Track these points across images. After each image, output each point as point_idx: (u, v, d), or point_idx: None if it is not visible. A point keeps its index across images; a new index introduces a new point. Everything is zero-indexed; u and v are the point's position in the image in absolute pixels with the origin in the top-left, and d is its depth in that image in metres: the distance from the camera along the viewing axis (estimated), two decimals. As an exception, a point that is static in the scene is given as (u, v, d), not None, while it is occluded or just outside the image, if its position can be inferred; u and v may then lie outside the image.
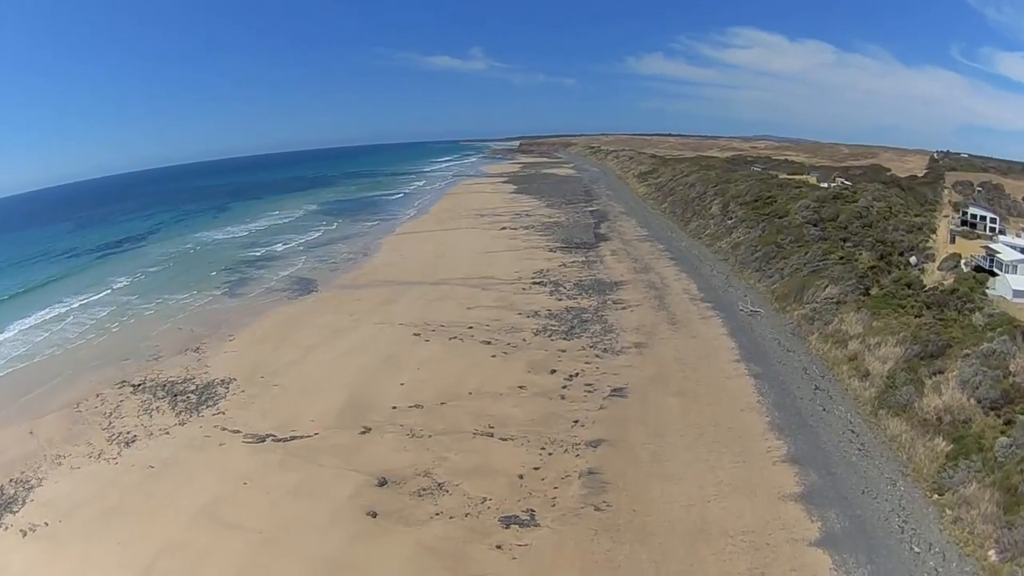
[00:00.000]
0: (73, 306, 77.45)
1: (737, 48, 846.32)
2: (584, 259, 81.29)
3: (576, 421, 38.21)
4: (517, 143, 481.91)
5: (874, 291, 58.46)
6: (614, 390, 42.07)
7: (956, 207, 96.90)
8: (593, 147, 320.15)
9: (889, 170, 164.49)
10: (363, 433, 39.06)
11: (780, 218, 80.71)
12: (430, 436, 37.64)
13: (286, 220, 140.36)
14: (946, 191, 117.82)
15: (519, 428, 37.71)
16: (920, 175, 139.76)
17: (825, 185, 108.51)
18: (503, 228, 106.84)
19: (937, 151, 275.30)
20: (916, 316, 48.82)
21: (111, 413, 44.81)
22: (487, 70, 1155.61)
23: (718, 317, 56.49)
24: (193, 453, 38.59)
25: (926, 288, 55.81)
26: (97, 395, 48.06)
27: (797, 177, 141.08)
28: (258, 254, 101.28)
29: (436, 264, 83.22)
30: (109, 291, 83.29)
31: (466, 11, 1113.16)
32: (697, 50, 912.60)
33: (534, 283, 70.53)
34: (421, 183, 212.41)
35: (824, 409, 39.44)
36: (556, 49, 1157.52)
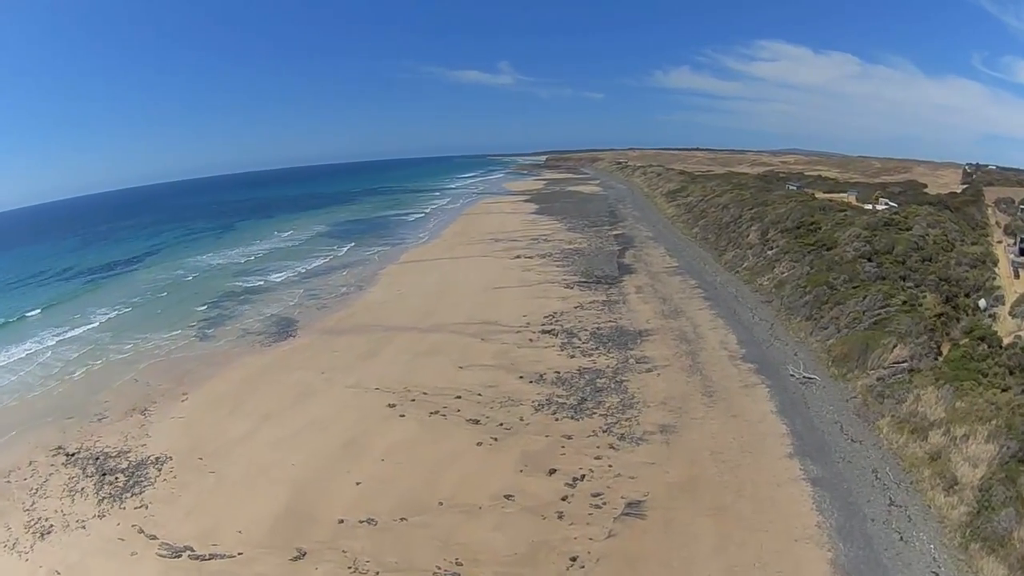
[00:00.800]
0: (48, 343, 71.17)
1: (763, 61, 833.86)
2: (605, 298, 71.20)
3: (575, 559, 28.23)
4: (544, 158, 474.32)
5: (946, 348, 48.26)
6: (629, 505, 31.96)
7: (1008, 230, 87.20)
8: (620, 162, 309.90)
9: (926, 186, 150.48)
10: (295, 560, 29.82)
11: (828, 250, 70.02)
12: (377, 574, 27.99)
13: (291, 243, 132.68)
14: (989, 209, 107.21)
15: (498, 568, 27.83)
16: (958, 191, 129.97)
17: (870, 207, 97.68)
18: (517, 256, 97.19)
19: (968, 164, 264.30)
20: (1003, 389, 38.78)
21: (37, 490, 38.37)
22: (515, 84, 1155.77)
23: (763, 385, 45.96)
24: (101, 561, 31.20)
25: (1004, 345, 45.50)
26: (31, 463, 41.84)
27: (837, 196, 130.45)
28: (250, 285, 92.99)
29: (435, 303, 73.91)
30: (87, 328, 76.03)
31: (494, 26, 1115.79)
32: (723, 63, 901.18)
33: (544, 331, 60.63)
34: (441, 201, 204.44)
35: (902, 538, 29.29)
36: (583, 63, 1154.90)
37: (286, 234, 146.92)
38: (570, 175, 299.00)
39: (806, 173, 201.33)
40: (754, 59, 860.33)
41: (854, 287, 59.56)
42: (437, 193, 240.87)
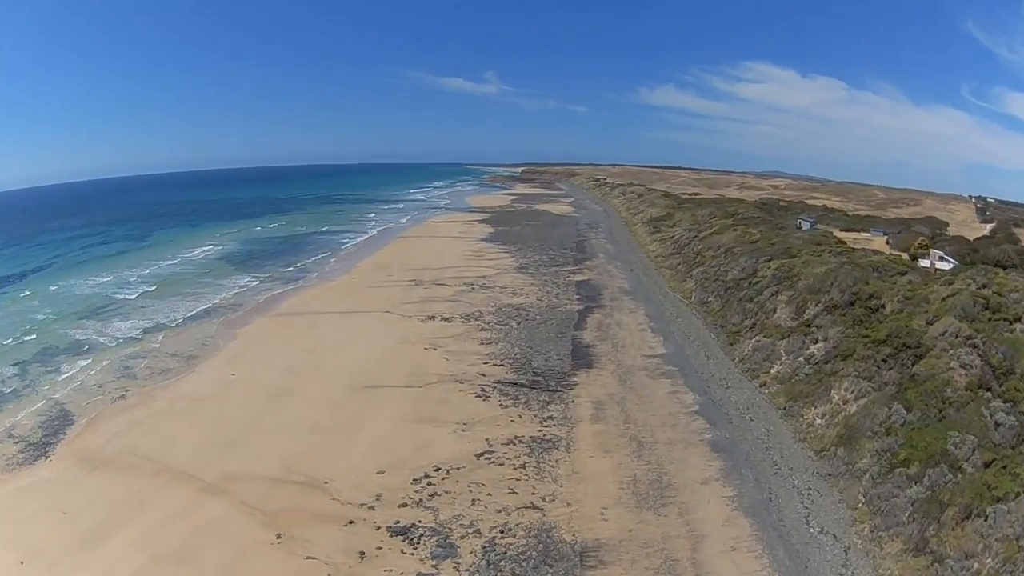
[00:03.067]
0: None
1: (749, 82, 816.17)
2: (538, 430, 40.33)
3: None
4: (520, 170, 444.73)
5: None
6: None
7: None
8: (598, 179, 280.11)
9: (947, 224, 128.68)
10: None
11: (917, 359, 39.64)
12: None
13: (187, 268, 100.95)
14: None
15: None
16: (986, 232, 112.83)
17: (927, 264, 69.08)
18: (431, 317, 65.84)
19: (973, 197, 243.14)
20: None
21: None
22: (499, 94, 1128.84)
23: None
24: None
25: None
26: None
27: (858, 237, 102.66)
28: (80, 337, 63.96)
29: (261, 415, 43.06)
30: None
31: (481, 34, 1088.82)
32: (709, 83, 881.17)
33: (393, 530, 29.84)
34: (388, 216, 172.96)
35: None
36: (569, 76, 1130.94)
37: (193, 253, 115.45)
38: (543, 190, 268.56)
39: (807, 202, 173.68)
40: (740, 80, 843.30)
41: (1000, 469, 29.51)
42: (390, 205, 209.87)
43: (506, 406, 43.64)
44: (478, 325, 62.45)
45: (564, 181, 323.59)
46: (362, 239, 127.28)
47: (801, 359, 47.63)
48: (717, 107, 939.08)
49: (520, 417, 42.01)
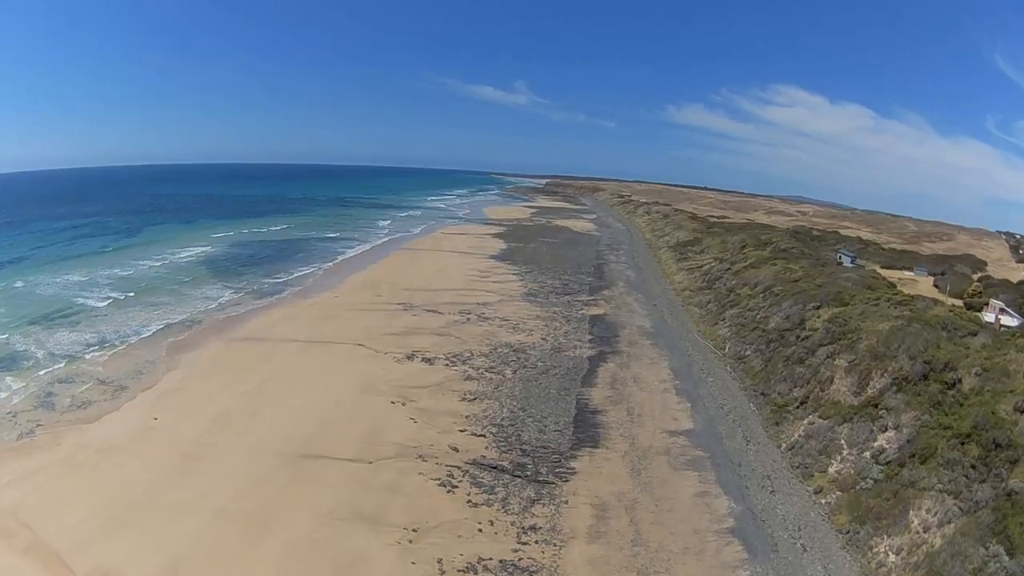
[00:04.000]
0: None
1: (778, 106, 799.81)
2: (512, 554, 29.15)
3: None
4: (544, 182, 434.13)
5: None
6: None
7: None
8: (623, 195, 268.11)
9: (985, 263, 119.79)
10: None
11: (1011, 461, 29.02)
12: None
13: (169, 271, 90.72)
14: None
15: None
16: None
17: (991, 319, 57.35)
18: (411, 355, 54.69)
19: (1001, 232, 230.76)
20: None
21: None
22: (529, 104, 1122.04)
23: None
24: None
25: None
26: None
27: (905, 275, 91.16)
28: (10, 349, 54.79)
29: (163, 484, 32.39)
30: None
31: (514, 45, 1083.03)
32: (738, 104, 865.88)
33: None
34: (399, 224, 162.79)
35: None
36: (599, 91, 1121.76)
37: (180, 254, 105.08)
38: (565, 204, 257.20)
39: (840, 232, 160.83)
40: (769, 103, 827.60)
41: None
42: (404, 211, 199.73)
43: (476, 504, 32.14)
44: (464, 371, 51.02)
45: (588, 196, 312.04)
46: (363, 249, 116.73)
47: (867, 455, 35.65)
48: (744, 129, 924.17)
49: (492, 524, 30.52)
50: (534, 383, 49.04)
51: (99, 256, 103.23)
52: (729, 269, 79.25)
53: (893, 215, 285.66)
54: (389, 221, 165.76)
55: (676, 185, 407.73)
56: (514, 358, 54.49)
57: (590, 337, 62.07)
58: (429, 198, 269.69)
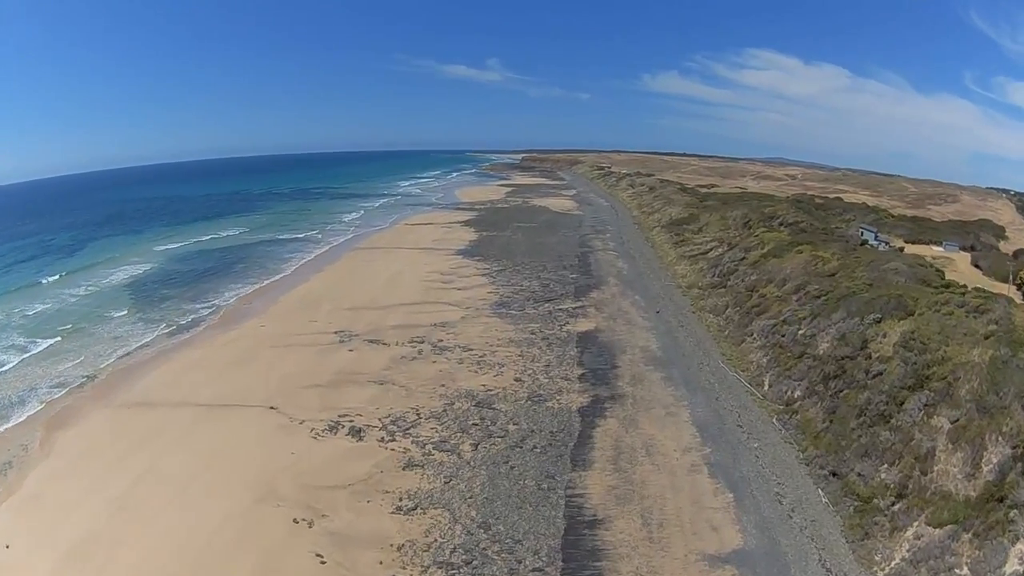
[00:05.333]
0: None
1: (752, 69, 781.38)
2: None
3: None
4: (520, 157, 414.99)
5: None
6: None
7: None
8: (602, 167, 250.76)
9: (1004, 229, 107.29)
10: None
11: None
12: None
13: (80, 304, 73.48)
14: None
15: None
16: None
17: None
18: (332, 427, 38.69)
19: (997, 189, 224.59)
20: None
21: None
22: (503, 81, 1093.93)
23: None
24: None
25: None
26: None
27: (934, 251, 76.89)
28: None
29: None
30: None
31: (485, 21, 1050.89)
32: (713, 70, 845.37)
33: None
34: (361, 214, 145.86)
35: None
36: (572, 63, 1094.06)
37: (114, 276, 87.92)
38: (543, 180, 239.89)
39: (843, 199, 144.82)
40: (744, 67, 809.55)
41: None
42: (370, 200, 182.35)
43: None
44: (404, 451, 35.04)
45: (566, 170, 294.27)
46: (316, 252, 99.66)
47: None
48: (721, 94, 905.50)
49: None
50: (503, 468, 33.09)
51: (28, 289, 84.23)
52: (744, 259, 63.36)
53: (887, 175, 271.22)
54: (353, 214, 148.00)
55: (656, 153, 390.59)
56: (476, 420, 38.47)
57: (580, 371, 46.10)
58: (401, 183, 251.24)
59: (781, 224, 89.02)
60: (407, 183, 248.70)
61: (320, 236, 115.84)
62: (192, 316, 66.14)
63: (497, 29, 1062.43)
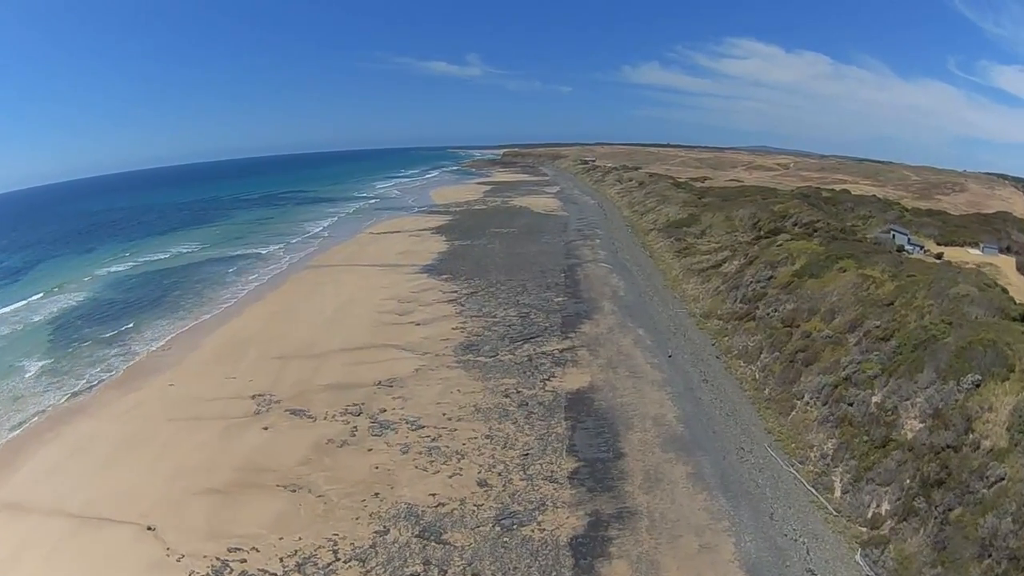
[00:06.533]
0: None
1: (733, 58, 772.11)
2: None
3: None
4: (501, 152, 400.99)
5: None
6: None
7: None
8: (586, 161, 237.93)
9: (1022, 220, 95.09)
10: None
11: None
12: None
13: None
14: None
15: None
16: None
17: None
18: (219, 570, 24.97)
19: (997, 175, 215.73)
20: None
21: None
22: (483, 76, 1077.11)
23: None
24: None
25: None
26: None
27: (971, 255, 66.71)
28: None
29: None
30: None
31: (464, 17, 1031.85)
32: (693, 60, 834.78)
33: None
34: (328, 222, 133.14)
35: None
36: (553, 57, 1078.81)
37: (44, 310, 75.64)
38: (524, 176, 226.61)
39: (850, 191, 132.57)
40: (724, 56, 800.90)
41: None
42: (339, 205, 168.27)
43: None
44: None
45: (549, 164, 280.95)
46: (262, 273, 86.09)
47: None
48: (702, 84, 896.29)
49: None
50: None
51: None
52: (772, 278, 50.53)
53: (882, 162, 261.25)
54: (319, 223, 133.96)
55: (641, 144, 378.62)
56: (418, 566, 25.37)
57: (571, 463, 33.10)
58: (379, 184, 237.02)
59: (795, 224, 76.97)
60: (385, 184, 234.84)
61: (273, 253, 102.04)
62: (101, 366, 53.28)
63: (476, 24, 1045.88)
